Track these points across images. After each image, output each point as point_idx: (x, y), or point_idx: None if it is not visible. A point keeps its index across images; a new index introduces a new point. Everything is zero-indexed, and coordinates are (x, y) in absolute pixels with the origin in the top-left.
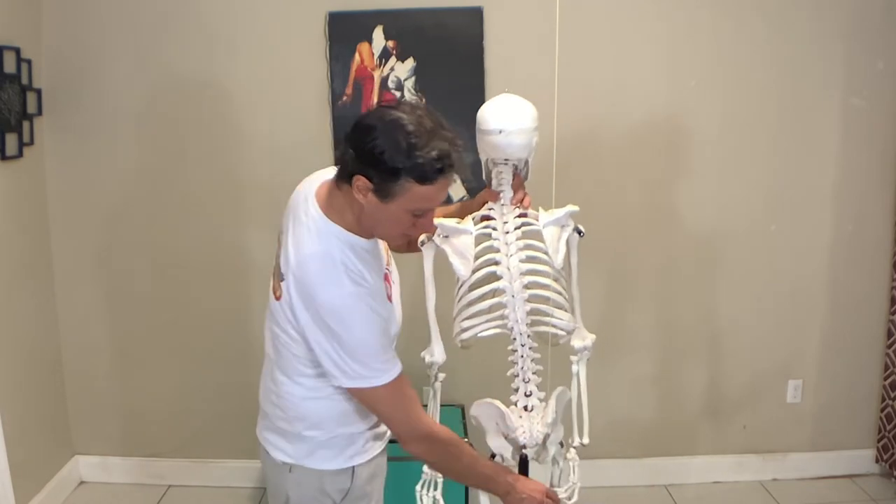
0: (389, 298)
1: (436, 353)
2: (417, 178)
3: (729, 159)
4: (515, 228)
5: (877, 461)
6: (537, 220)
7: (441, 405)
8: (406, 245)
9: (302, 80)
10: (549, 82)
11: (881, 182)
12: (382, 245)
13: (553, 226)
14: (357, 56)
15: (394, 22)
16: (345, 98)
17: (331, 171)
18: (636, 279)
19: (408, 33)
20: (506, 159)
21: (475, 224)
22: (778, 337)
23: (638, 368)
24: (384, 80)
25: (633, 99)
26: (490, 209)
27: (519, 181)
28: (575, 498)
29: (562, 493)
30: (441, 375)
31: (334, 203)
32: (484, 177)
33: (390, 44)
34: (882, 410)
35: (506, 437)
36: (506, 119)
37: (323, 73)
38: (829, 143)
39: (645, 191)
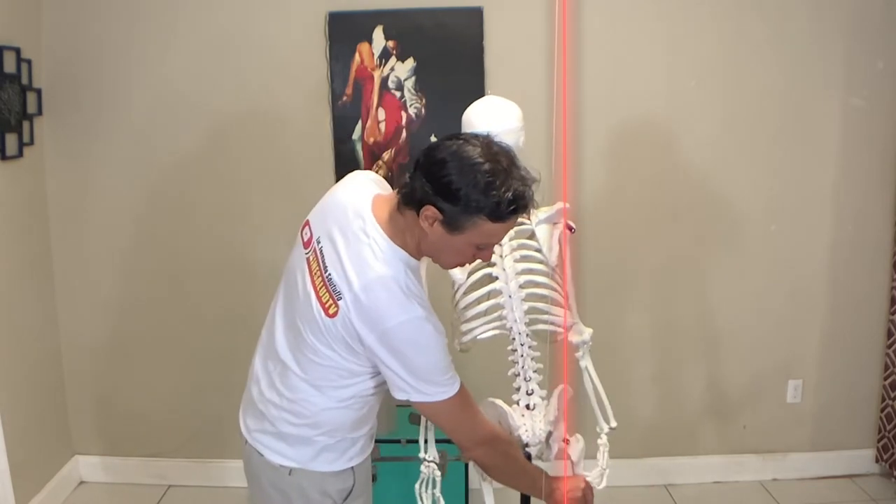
0: None
1: None
2: (490, 216)
3: (729, 159)
4: None
5: (877, 461)
6: (529, 219)
7: None
8: None
9: (302, 80)
10: (549, 82)
11: (881, 182)
12: None
13: (545, 224)
14: (357, 56)
15: (394, 22)
16: (345, 98)
17: (370, 184)
18: (636, 279)
19: (408, 33)
20: None
21: None
22: (778, 337)
23: (638, 368)
24: (384, 80)
25: (633, 99)
26: None
27: None
28: (604, 482)
29: (590, 478)
30: None
31: (396, 225)
32: None
33: (390, 44)
34: (882, 410)
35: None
36: (492, 121)
37: (323, 73)
38: (829, 143)
39: (645, 191)
